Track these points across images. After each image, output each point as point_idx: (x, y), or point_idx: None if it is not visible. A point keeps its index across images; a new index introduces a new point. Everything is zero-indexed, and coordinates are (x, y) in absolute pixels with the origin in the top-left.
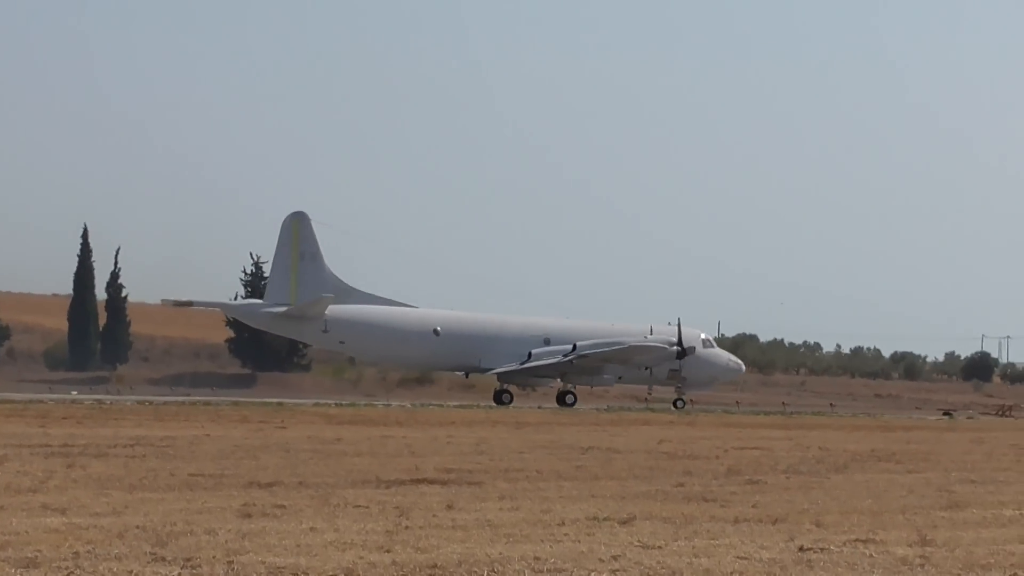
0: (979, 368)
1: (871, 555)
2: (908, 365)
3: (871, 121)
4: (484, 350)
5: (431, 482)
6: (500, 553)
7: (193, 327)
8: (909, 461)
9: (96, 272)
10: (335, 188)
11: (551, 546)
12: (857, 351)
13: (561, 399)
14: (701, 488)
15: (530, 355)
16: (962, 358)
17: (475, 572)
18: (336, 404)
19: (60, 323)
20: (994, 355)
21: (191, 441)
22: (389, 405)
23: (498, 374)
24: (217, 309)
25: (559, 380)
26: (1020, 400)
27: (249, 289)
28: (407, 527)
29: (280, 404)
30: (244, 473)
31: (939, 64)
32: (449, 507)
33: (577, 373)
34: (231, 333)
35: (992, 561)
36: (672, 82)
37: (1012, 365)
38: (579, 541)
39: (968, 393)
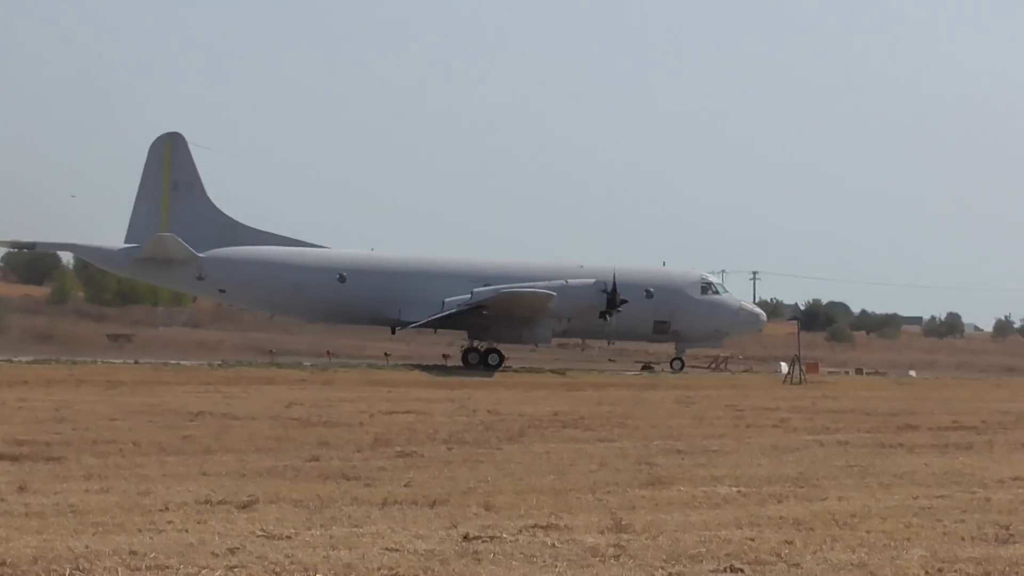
0: None
1: (554, 545)
2: None
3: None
4: (404, 299)
5: None
6: (87, 547)
7: None
8: (600, 427)
9: None
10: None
11: (151, 537)
12: None
13: (465, 359)
14: (341, 463)
15: (443, 304)
16: None
17: (55, 571)
18: None
19: None
20: None
21: None
22: None
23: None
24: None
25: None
26: (737, 351)
27: None
28: None
29: None
30: None
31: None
32: (21, 489)
33: (499, 326)
34: None
35: (703, 550)
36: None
37: None
38: (187, 530)
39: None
